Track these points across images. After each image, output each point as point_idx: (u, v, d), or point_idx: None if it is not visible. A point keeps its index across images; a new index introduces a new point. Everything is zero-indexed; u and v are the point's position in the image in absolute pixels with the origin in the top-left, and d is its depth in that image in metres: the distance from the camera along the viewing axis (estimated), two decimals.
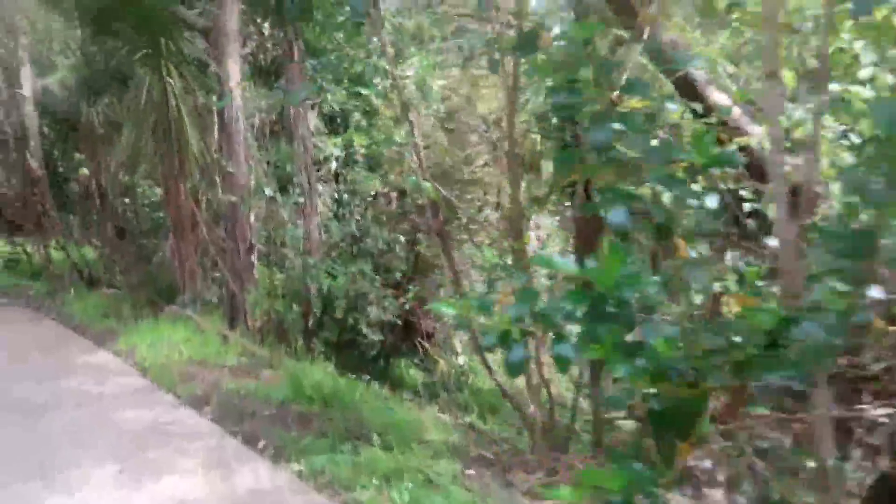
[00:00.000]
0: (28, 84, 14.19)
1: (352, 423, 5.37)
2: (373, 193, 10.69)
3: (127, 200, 14.84)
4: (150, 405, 5.72)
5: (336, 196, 10.67)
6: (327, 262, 8.79)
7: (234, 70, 9.41)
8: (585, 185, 4.27)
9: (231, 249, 9.52)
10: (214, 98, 10.78)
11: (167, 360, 7.20)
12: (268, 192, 8.61)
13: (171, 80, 8.98)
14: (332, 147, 10.68)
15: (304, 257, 8.71)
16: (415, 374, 11.31)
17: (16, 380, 6.52)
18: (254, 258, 9.78)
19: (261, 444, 4.88)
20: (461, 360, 10.65)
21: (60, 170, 16.87)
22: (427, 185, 3.99)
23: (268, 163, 9.52)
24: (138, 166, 14.69)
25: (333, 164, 11.05)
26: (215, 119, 10.88)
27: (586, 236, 4.68)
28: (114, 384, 6.33)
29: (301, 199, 8.98)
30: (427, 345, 10.51)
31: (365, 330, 9.00)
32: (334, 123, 12.15)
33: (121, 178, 14.43)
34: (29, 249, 13.56)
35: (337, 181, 11.14)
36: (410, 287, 9.65)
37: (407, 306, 9.66)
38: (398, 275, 9.40)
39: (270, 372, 7.32)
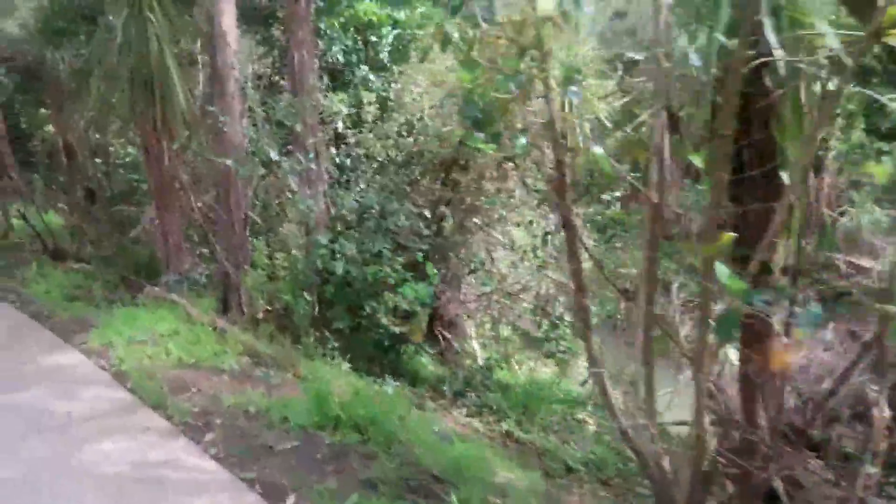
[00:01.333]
0: None
1: (403, 464, 4.09)
2: (379, 159, 9.28)
3: (98, 161, 13.21)
4: (133, 433, 4.37)
5: (338, 161, 9.24)
6: (340, 239, 7.41)
7: (228, 9, 7.86)
8: None
9: (223, 221, 8.09)
10: (199, 43, 9.24)
11: (152, 362, 5.82)
12: (273, 154, 7.13)
13: (152, 18, 7.40)
14: (339, 104, 9.20)
15: (314, 234, 7.32)
16: (428, 365, 10.08)
17: None
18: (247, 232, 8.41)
19: (290, 502, 3.58)
20: (478, 351, 9.43)
21: (22, 126, 15.07)
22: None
23: (267, 120, 8.02)
24: (111, 122, 13.09)
25: (339, 125, 9.59)
26: (200, 68, 9.35)
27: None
28: (85, 399, 4.95)
29: (312, 165, 7.54)
30: (448, 335, 9.25)
31: (383, 320, 7.69)
32: (336, 79, 10.65)
33: (90, 135, 12.81)
34: None
35: (339, 144, 9.69)
36: (433, 270, 8.32)
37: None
38: (419, 255, 8.07)
39: (280, 377, 6.01)
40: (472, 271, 8.91)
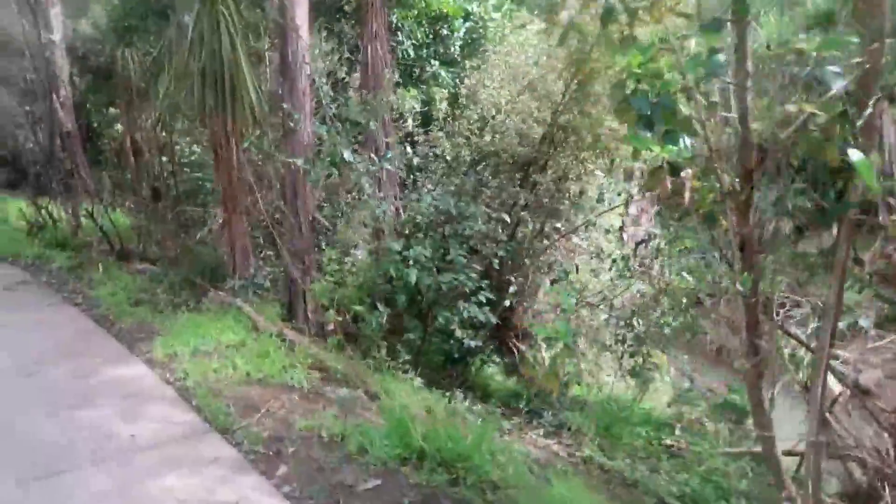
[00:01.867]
0: (58, 26, 12.45)
1: None
2: (448, 158, 8.72)
3: (164, 159, 13.15)
4: (200, 464, 3.96)
5: (406, 162, 8.74)
6: (413, 245, 6.90)
7: (301, 3, 7.47)
8: None
9: (290, 224, 7.71)
10: (268, 40, 8.91)
11: (217, 377, 5.44)
12: (346, 155, 6.67)
13: (224, 12, 7.05)
14: (411, 100, 8.72)
15: (386, 239, 6.84)
16: (497, 377, 9.50)
17: (21, 405, 4.82)
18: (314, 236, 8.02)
19: None
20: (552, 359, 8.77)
21: (93, 124, 15.22)
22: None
23: (336, 118, 7.59)
24: (178, 120, 13.00)
25: (410, 123, 9.11)
26: (268, 64, 9.01)
27: None
28: (149, 420, 4.57)
29: (387, 166, 7.06)
30: (521, 346, 8.66)
31: (459, 332, 7.15)
32: (405, 75, 10.18)
33: (158, 134, 12.74)
34: (55, 213, 11.94)
35: (407, 143, 9.21)
36: (511, 278, 7.75)
37: (508, 302, 7.78)
38: (496, 263, 7.51)
39: (352, 395, 5.55)
40: (554, 281, 8.26)
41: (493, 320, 7.21)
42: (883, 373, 5.62)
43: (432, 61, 10.08)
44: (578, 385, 8.52)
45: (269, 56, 8.77)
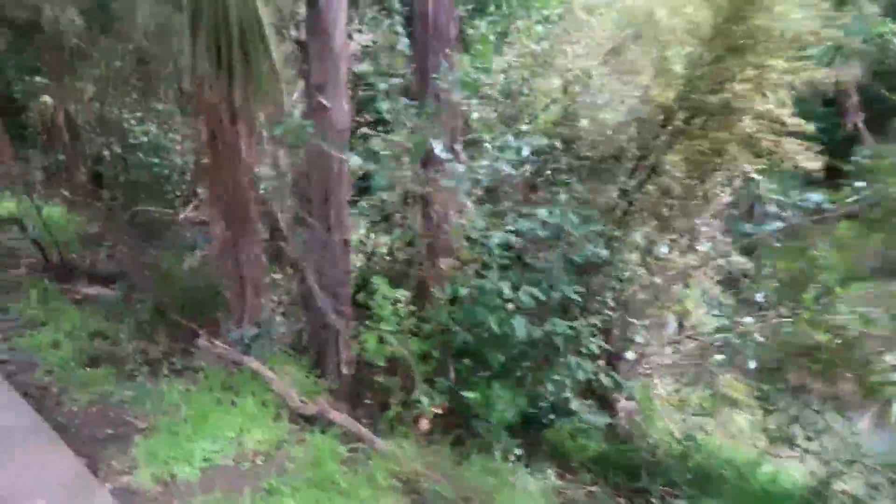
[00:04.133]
0: None
1: None
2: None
3: (109, 140, 10.42)
4: None
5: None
6: (516, 282, 4.69)
7: None
8: None
9: (317, 243, 5.39)
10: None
11: None
12: (438, 148, 4.35)
13: None
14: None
15: (484, 272, 4.62)
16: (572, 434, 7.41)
17: None
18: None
19: None
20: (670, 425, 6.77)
21: (14, 95, 12.17)
22: None
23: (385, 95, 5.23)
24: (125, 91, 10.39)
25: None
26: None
27: None
28: None
29: (457, 168, 4.77)
30: (622, 398, 6.59)
31: (573, 403, 5.03)
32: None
33: (103, 108, 10.07)
34: None
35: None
36: (634, 321, 5.63)
37: (632, 355, 5.68)
38: (610, 299, 5.41)
39: None
40: (681, 324, 6.19)
41: (627, 385, 5.12)
42: None
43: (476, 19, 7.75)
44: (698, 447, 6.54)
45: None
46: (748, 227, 5.63)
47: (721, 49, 5.48)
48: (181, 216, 8.63)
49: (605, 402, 6.34)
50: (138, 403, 4.50)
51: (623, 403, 6.51)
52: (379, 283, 5.09)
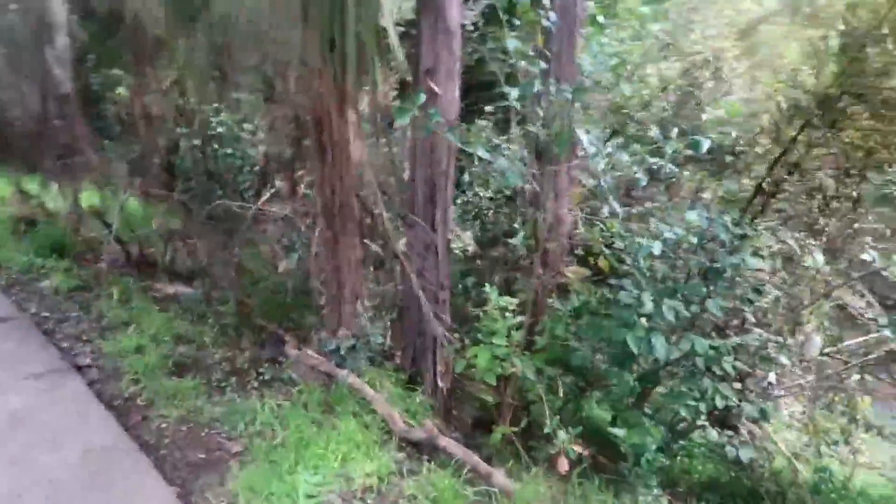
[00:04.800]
0: None
1: None
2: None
3: (184, 130, 10.20)
4: None
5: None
6: (658, 294, 4.03)
7: None
8: None
9: (420, 242, 4.86)
10: None
11: None
12: (585, 139, 3.69)
13: None
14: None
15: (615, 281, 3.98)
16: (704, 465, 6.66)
17: None
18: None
19: None
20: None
21: (94, 87, 12.14)
22: None
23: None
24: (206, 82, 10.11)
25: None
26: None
27: None
28: None
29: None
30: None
31: (715, 433, 4.35)
32: None
33: (184, 99, 9.83)
34: (50, 203, 9.03)
35: None
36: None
37: (772, 379, 4.93)
38: (748, 317, 4.68)
39: None
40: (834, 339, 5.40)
41: (774, 413, 4.40)
42: None
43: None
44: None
45: None
46: None
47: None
48: (253, 209, 8.30)
49: (725, 424, 5.62)
50: (230, 423, 4.07)
51: (748, 426, 5.76)
52: (490, 291, 4.52)
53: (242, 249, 7.20)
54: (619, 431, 3.75)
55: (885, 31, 4.63)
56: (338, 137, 4.07)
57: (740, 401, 4.44)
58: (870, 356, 5.80)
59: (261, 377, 4.80)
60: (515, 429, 4.55)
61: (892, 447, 6.01)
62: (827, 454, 5.85)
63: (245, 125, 10.57)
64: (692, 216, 3.87)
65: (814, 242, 5.30)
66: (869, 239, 5.12)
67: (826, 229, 5.09)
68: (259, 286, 6.21)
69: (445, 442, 3.98)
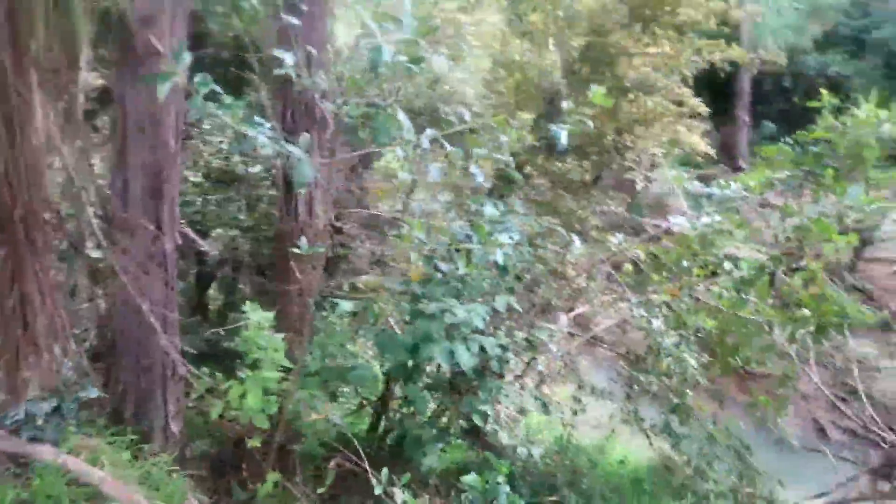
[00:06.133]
0: None
1: None
2: None
3: None
4: None
5: None
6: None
7: None
8: None
9: (143, 250, 3.68)
10: None
11: None
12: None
13: None
14: None
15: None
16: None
17: None
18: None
19: None
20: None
21: None
22: None
23: None
24: None
25: None
26: None
27: None
28: None
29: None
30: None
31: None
32: None
33: None
34: None
35: None
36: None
37: None
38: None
39: None
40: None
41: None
42: None
43: None
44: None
45: None
46: None
47: None
48: None
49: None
50: None
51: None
52: (250, 308, 3.59)
53: None
54: (466, 478, 3.14)
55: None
56: (16, 118, 2.69)
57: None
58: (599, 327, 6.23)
59: None
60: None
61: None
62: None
63: None
64: (490, 210, 3.46)
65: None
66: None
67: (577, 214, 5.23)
68: None
69: None
